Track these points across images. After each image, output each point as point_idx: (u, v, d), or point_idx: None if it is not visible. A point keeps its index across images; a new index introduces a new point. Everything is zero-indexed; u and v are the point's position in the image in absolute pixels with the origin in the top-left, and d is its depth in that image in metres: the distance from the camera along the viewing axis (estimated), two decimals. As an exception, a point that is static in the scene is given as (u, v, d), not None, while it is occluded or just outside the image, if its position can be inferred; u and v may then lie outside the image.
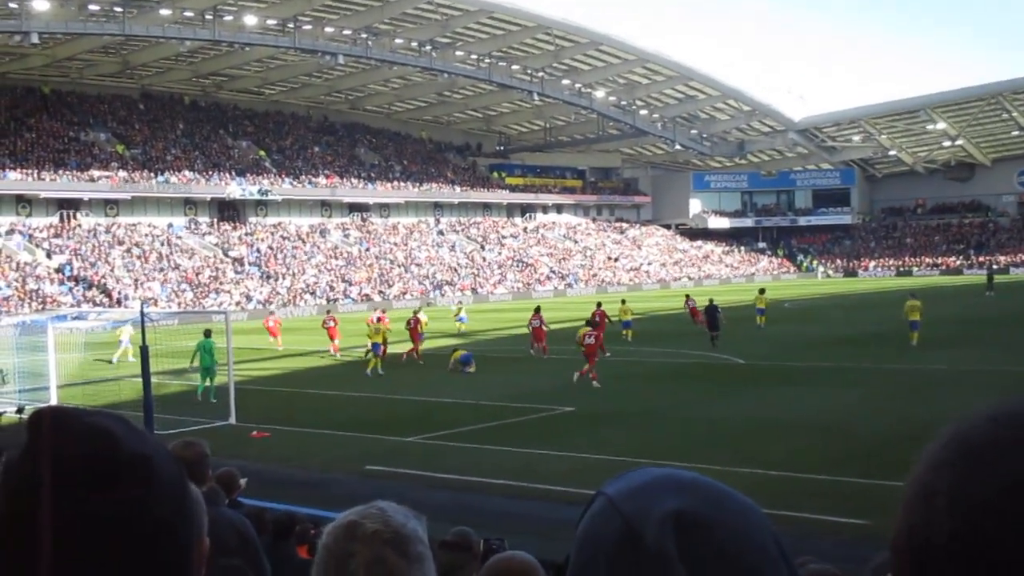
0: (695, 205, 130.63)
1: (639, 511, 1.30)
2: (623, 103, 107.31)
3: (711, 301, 43.38)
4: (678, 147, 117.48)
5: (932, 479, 1.10)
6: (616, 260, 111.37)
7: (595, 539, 1.33)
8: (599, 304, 43.65)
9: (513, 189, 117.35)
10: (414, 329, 40.56)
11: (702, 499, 1.32)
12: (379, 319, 41.59)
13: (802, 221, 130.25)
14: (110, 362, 40.88)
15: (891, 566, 1.18)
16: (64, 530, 1.48)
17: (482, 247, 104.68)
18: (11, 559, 1.50)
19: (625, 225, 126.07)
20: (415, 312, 43.01)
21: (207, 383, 30.84)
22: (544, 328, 40.31)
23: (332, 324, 44.26)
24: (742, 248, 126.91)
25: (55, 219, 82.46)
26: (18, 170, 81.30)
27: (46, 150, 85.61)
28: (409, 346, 40.54)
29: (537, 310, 41.17)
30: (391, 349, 38.99)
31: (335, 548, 1.86)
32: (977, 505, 1.05)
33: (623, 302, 47.83)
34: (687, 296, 52.07)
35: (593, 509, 1.37)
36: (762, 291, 51.23)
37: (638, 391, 29.87)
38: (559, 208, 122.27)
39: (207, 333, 31.93)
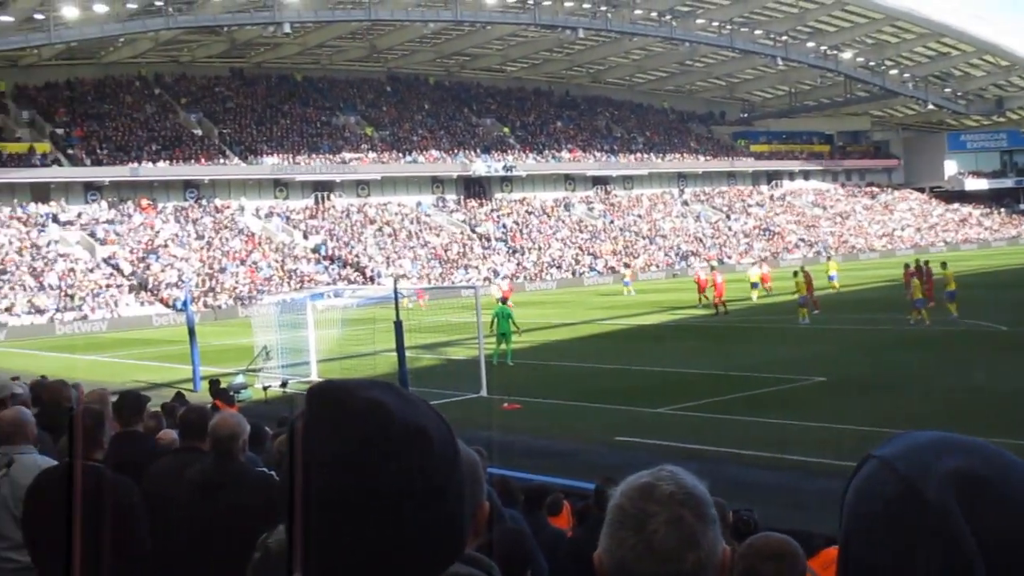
0: (950, 167, 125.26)
1: (917, 470, 1.28)
2: (871, 64, 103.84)
3: (926, 263, 42.76)
4: (931, 107, 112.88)
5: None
6: (867, 226, 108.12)
7: (871, 500, 1.32)
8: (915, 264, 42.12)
9: (758, 157, 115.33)
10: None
11: (982, 459, 1.29)
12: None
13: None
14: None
15: None
16: (342, 499, 1.59)
17: (727, 216, 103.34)
18: (295, 527, 1.61)
19: (876, 190, 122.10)
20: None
21: (502, 347, 32.01)
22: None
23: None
24: (1002, 210, 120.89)
25: (310, 201, 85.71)
26: (275, 155, 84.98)
27: (300, 135, 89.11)
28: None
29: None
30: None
31: (631, 508, 1.85)
32: None
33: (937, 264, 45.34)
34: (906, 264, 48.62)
35: (865, 472, 1.36)
36: None
37: (891, 359, 28.91)
38: (806, 175, 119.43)
39: (503, 300, 32.87)
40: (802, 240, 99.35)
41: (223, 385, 21.92)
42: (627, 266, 77.94)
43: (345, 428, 1.62)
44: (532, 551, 6.53)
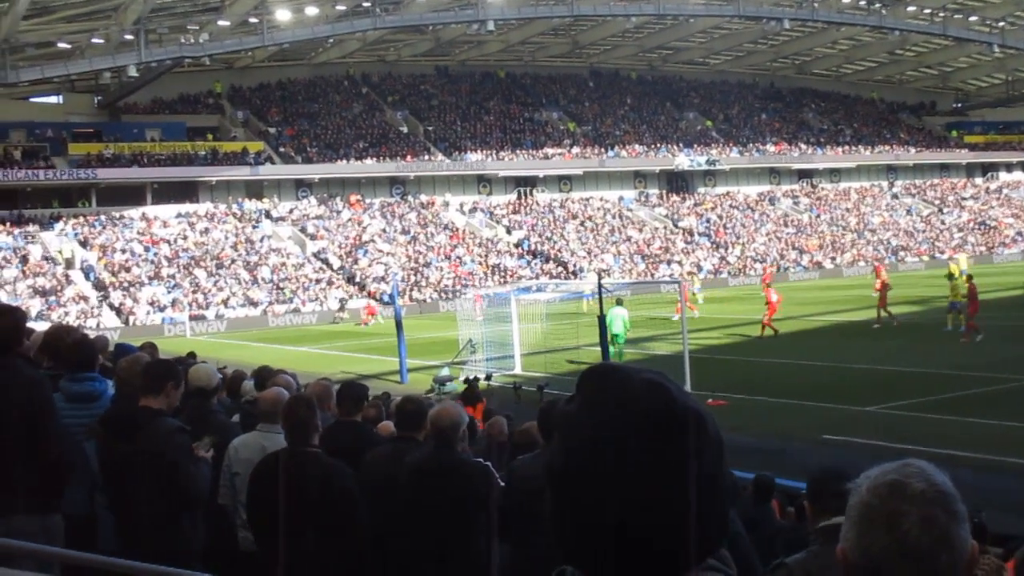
0: None
1: None
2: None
3: None
4: None
5: None
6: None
7: None
8: None
9: (973, 148, 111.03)
10: None
11: None
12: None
13: None
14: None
15: None
16: (626, 473, 1.63)
17: (940, 210, 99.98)
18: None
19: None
20: None
21: (614, 349, 31.70)
22: None
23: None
24: None
25: (513, 196, 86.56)
26: (478, 151, 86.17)
27: (503, 131, 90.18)
28: None
29: None
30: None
31: (882, 507, 1.82)
32: None
33: None
34: None
35: None
36: None
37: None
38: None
39: (619, 301, 32.71)
40: (1019, 234, 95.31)
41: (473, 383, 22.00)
42: (691, 273, 69.58)
43: (630, 404, 1.66)
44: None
